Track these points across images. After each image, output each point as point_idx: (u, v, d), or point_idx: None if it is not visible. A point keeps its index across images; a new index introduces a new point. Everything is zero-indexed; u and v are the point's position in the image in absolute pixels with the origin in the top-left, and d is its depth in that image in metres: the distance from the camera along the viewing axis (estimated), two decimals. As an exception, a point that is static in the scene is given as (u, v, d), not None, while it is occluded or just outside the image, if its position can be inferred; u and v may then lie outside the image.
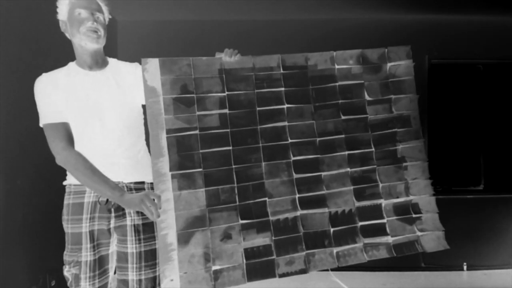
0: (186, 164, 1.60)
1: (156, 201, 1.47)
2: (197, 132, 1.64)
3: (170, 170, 1.58)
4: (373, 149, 1.80)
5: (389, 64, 1.87)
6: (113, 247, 1.57)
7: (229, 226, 1.61)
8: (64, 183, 1.59)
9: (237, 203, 1.64)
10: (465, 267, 3.64)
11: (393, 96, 1.86)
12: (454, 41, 3.54)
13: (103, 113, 1.54)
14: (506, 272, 3.42)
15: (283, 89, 1.74)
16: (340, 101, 1.79)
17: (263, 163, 1.68)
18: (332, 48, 1.83)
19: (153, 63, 1.61)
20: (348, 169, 1.76)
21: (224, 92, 1.68)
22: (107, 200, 1.52)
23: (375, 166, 1.79)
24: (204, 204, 1.61)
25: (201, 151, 1.63)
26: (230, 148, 1.66)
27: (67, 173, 1.56)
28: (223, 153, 1.65)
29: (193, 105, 1.64)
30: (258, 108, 1.70)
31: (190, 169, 1.61)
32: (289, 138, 1.72)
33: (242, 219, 1.63)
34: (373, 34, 3.52)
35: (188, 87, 1.64)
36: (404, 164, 1.83)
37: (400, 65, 1.88)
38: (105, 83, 1.57)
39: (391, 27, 3.53)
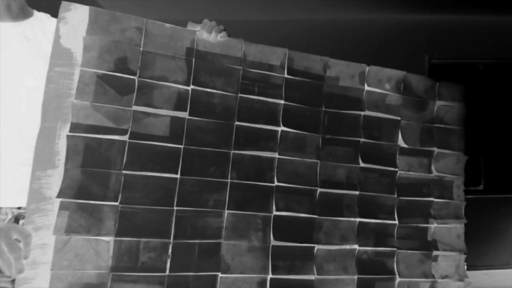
0: (91, 189, 0.92)
1: (21, 243, 0.79)
2: (125, 138, 0.97)
3: (59, 194, 0.89)
4: (397, 222, 1.19)
5: (438, 103, 1.29)
6: None
7: (143, 312, 0.93)
8: None
9: (167, 272, 0.96)
10: (465, 267, 3.31)
11: (436, 150, 1.26)
12: (454, 41, 3.53)
13: None
14: (506, 272, 3.39)
15: (282, 102, 1.11)
16: (362, 140, 1.18)
17: (226, 212, 1.03)
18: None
19: (79, 12, 0.96)
20: (356, 246, 1.13)
21: (188, 84, 1.03)
22: None
23: (395, 248, 1.17)
24: (108, 265, 0.92)
25: (124, 171, 0.96)
26: (178, 176, 1.00)
27: None
28: (162, 183, 0.98)
29: (130, 94, 0.98)
30: (237, 123, 1.06)
31: (96, 199, 0.92)
32: (275, 179, 1.08)
33: (169, 302, 0.95)
34: (373, 33, 3.49)
35: (129, 63, 0.98)
36: (435, 253, 1.22)
37: (451, 107, 1.30)
38: (16, 41, 0.93)
39: (391, 27, 3.50)
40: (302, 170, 1.11)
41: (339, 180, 1.14)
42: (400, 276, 1.16)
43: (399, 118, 1.23)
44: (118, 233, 0.93)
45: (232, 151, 1.05)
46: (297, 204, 1.09)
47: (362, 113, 1.19)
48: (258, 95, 1.08)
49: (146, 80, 0.99)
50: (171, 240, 0.97)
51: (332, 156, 1.14)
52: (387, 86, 1.23)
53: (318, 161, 1.12)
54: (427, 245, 1.21)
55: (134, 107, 0.98)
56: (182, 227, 0.99)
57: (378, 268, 1.14)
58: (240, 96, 1.07)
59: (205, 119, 1.03)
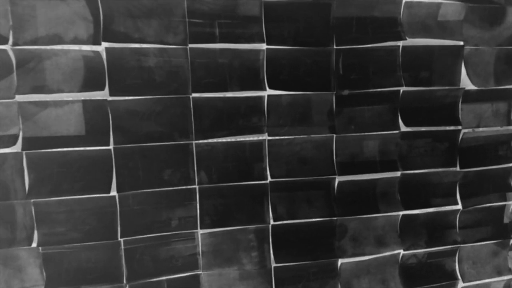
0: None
1: None
2: (18, 149, 0.61)
3: None
4: (460, 206, 0.80)
5: (526, 8, 0.79)
6: None
7: None
8: None
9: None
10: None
11: (521, 86, 0.81)
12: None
13: None
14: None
15: (263, 46, 0.67)
16: (402, 89, 0.75)
17: (200, 232, 0.69)
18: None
19: None
20: (400, 251, 0.78)
21: (97, 42, 0.61)
22: None
23: (457, 244, 0.81)
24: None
25: (32, 199, 0.62)
26: (114, 194, 0.64)
27: None
28: (93, 207, 0.63)
29: (6, 76, 0.59)
30: (193, 95, 0.65)
31: (4, 245, 0.61)
32: (268, 174, 0.70)
33: None
34: None
35: (-12, 20, 0.58)
36: (516, 238, 0.85)
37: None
38: None
39: None
40: (308, 153, 0.72)
41: (369, 158, 0.74)
42: (464, 280, 0.81)
43: (461, 43, 0.76)
44: (49, 284, 0.63)
45: (193, 142, 0.66)
46: (306, 205, 0.72)
47: (401, 43, 0.73)
48: (221, 40, 0.65)
49: (27, 47, 0.59)
50: (125, 284, 0.67)
51: (354, 122, 0.73)
52: (441, -9, 0.74)
53: (334, 135, 0.72)
54: (503, 230, 0.83)
55: (18, 97, 0.60)
56: (138, 263, 0.67)
57: (432, 273, 0.80)
58: (190, 48, 0.64)
59: (138, 97, 0.64)
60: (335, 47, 0.70)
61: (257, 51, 0.67)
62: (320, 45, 0.69)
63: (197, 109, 0.65)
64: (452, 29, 0.76)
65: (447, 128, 0.78)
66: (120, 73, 0.62)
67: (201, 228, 0.69)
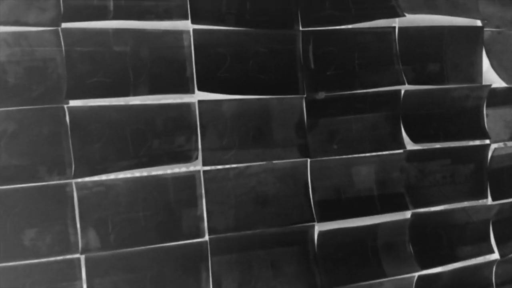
0: None
1: None
2: None
3: None
4: (497, 254, 0.56)
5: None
6: None
7: None
8: None
9: None
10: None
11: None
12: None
13: None
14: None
15: (189, 25, 0.44)
16: (404, 87, 0.51)
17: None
18: None
19: None
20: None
21: None
22: None
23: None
24: None
25: None
26: None
27: None
28: None
29: None
30: (71, 104, 0.41)
31: None
32: (205, 227, 0.45)
33: None
34: None
35: None
36: None
37: None
38: None
39: None
40: (270, 189, 0.47)
41: (362, 192, 0.49)
42: None
43: (479, 23, 0.54)
44: None
45: (73, 181, 0.41)
46: (269, 272, 0.46)
47: (397, 22, 0.50)
48: (116, 16, 0.41)
49: None
50: None
51: (337, 139, 0.49)
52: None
53: (307, 159, 0.47)
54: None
55: None
56: None
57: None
58: (65, 30, 0.40)
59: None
60: (301, 28, 0.47)
61: (179, 34, 0.43)
62: (279, 26, 0.46)
63: (78, 126, 0.40)
64: (466, 5, 0.54)
65: (471, 143, 0.54)
66: None
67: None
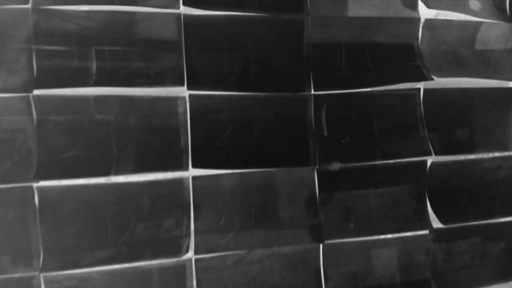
0: None
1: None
2: None
3: None
4: None
5: None
6: None
7: None
8: None
9: None
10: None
11: None
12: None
13: None
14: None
15: (185, 91, 0.39)
16: (430, 159, 0.46)
17: None
18: None
19: None
20: None
21: None
22: None
23: None
24: None
25: None
26: None
27: None
28: None
29: None
30: (41, 183, 0.35)
31: None
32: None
33: None
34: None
35: None
36: None
37: None
38: None
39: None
40: (276, 278, 0.40)
41: (383, 280, 0.42)
42: None
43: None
44: None
45: (40, 274, 0.34)
46: None
47: (422, 85, 0.45)
48: (97, 79, 0.36)
49: None
50: None
51: (354, 218, 0.42)
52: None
53: (320, 244, 0.41)
54: None
55: None
56: None
57: None
58: (35, 97, 0.34)
59: None
60: (313, 92, 0.41)
61: (173, 100, 0.37)
62: (288, 89, 0.41)
63: (48, 208, 0.34)
64: (498, 63, 0.48)
65: (502, 220, 0.48)
66: None
67: None
